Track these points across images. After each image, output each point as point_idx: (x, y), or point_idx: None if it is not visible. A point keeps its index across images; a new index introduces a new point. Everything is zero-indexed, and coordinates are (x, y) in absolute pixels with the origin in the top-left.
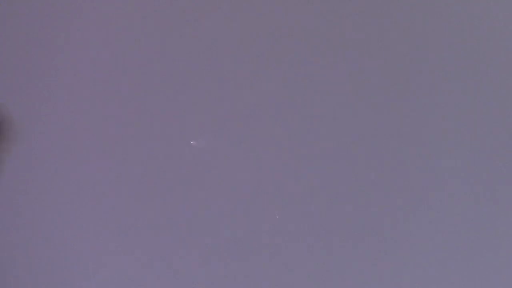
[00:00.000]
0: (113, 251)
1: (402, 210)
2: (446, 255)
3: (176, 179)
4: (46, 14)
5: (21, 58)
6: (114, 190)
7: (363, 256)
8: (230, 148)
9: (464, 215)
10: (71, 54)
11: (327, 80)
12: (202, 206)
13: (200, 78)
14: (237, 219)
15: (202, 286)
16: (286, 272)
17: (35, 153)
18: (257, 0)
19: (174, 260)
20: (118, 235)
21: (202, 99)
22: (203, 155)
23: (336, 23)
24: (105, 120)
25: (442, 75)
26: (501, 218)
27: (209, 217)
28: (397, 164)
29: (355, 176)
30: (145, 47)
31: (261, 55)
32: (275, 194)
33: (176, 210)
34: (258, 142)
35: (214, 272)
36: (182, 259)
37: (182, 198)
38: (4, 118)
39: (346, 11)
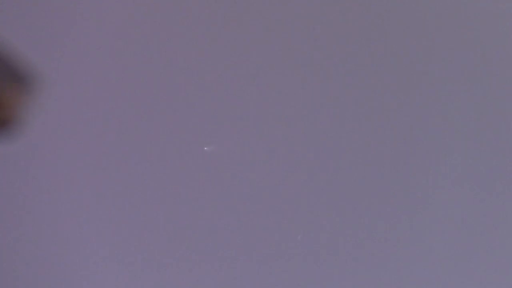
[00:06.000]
0: (113, 253)
1: (403, 211)
2: (446, 256)
3: (177, 180)
4: (46, 14)
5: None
6: (114, 191)
7: (364, 257)
8: (231, 151)
9: (464, 217)
10: (76, 56)
11: (328, 81)
12: (204, 208)
13: (202, 80)
14: (238, 222)
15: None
16: (287, 273)
17: (35, 153)
18: (259, 1)
19: (174, 261)
20: (118, 236)
21: (204, 101)
22: (205, 158)
23: (337, 23)
24: (105, 121)
25: (443, 76)
26: (501, 218)
27: (211, 219)
28: (397, 166)
29: (357, 177)
30: (151, 50)
31: (265, 56)
32: (276, 194)
33: (177, 212)
34: (258, 143)
35: (214, 275)
36: (183, 260)
37: (183, 200)
38: (31, 74)
39: (346, 11)
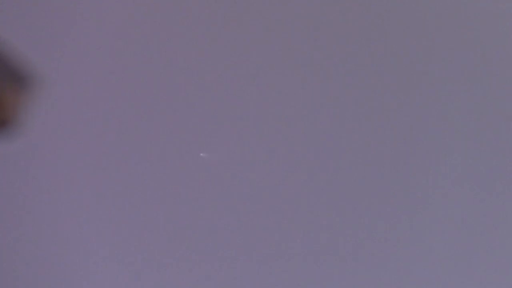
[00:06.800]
0: (113, 253)
1: (403, 211)
2: (446, 256)
3: (177, 180)
4: (46, 14)
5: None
6: (114, 191)
7: (364, 257)
8: (230, 151)
9: (464, 217)
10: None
11: (328, 82)
12: (203, 208)
13: (202, 80)
14: (237, 222)
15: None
16: (287, 273)
17: (35, 153)
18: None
19: (174, 261)
20: (118, 236)
21: (204, 101)
22: (206, 156)
23: (337, 23)
24: (105, 121)
25: (443, 76)
26: (501, 218)
27: (210, 219)
28: (397, 166)
29: (357, 177)
30: (151, 50)
31: (263, 58)
32: (275, 193)
33: (177, 212)
34: (256, 144)
35: (214, 275)
36: (183, 260)
37: (183, 199)
38: (30, 74)
39: (346, 11)
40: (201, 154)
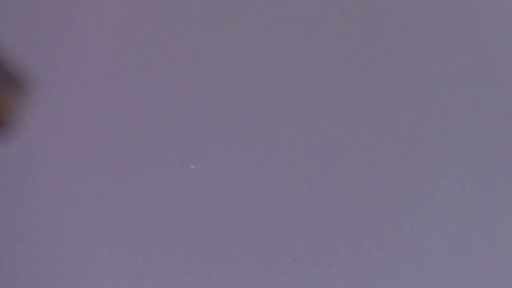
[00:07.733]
0: (113, 253)
1: (403, 211)
2: (446, 256)
3: (178, 180)
4: (46, 14)
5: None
6: (114, 191)
7: (363, 257)
8: (230, 149)
9: (464, 217)
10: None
11: (327, 82)
12: (204, 208)
13: (202, 81)
14: (238, 221)
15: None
16: (286, 274)
17: (35, 153)
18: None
19: (174, 261)
20: (118, 236)
21: (205, 102)
22: (208, 155)
23: (336, 23)
24: (105, 121)
25: (443, 76)
26: (501, 218)
27: (211, 219)
28: (397, 166)
29: (357, 178)
30: (152, 50)
31: (262, 59)
32: (275, 193)
33: (178, 212)
34: (254, 142)
35: (214, 275)
36: (183, 260)
37: (183, 199)
38: (24, 75)
39: (346, 11)
40: (192, 166)
